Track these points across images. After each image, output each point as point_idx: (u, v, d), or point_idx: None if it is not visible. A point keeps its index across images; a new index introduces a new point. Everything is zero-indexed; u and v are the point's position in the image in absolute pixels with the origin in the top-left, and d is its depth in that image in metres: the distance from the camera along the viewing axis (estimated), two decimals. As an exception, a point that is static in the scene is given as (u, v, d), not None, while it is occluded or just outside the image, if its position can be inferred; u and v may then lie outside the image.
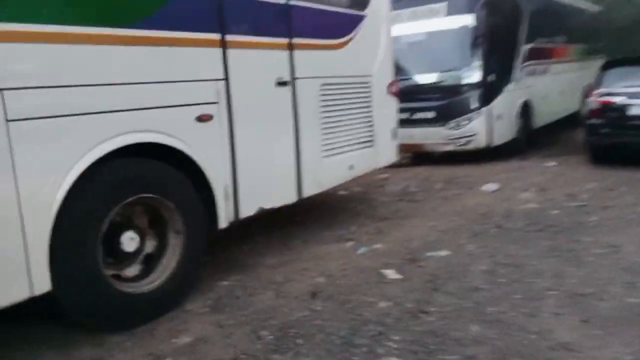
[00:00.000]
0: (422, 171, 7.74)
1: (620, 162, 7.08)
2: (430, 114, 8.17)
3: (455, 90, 8.05)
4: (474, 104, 7.95)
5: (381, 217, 5.26)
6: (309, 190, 4.34)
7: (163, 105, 3.08)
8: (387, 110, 5.38)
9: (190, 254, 3.32)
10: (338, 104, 4.61)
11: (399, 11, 8.65)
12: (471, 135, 7.99)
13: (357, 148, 4.92)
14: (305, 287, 3.51)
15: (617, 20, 14.80)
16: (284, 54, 4.02)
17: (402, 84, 8.63)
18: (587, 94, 8.24)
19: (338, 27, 4.65)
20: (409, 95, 8.49)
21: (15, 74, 2.45)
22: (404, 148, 9.11)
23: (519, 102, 8.89)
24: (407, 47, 8.63)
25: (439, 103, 8.10)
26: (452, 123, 8.04)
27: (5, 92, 2.38)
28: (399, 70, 8.79)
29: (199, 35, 3.31)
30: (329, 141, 4.52)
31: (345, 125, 4.73)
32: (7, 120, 2.39)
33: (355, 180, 5.42)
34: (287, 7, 4.02)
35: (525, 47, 9.11)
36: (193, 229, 3.31)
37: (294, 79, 4.10)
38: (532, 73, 9.44)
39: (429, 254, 4.04)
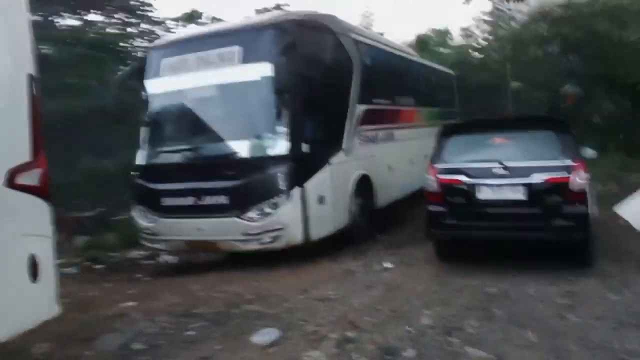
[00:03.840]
0: (201, 286, 5.11)
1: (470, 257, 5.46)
2: (222, 199, 5.66)
3: (255, 165, 5.66)
4: (282, 185, 5.58)
5: None
6: None
7: None
8: (9, 225, 2.67)
9: None
10: None
11: (180, 56, 6.25)
12: (279, 229, 5.56)
13: None
14: None
15: (470, 84, 14.03)
16: None
17: (183, 157, 6.19)
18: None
19: None
20: (192, 172, 5.97)
21: None
22: (193, 246, 6.49)
23: (354, 177, 6.74)
24: (189, 105, 6.15)
25: (233, 183, 5.63)
26: (252, 212, 5.58)
27: None
28: (176, 135, 6.39)
29: None
30: None
31: None
32: None
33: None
34: None
35: (360, 108, 7.08)
36: None
37: None
38: (371, 140, 7.43)
39: None
